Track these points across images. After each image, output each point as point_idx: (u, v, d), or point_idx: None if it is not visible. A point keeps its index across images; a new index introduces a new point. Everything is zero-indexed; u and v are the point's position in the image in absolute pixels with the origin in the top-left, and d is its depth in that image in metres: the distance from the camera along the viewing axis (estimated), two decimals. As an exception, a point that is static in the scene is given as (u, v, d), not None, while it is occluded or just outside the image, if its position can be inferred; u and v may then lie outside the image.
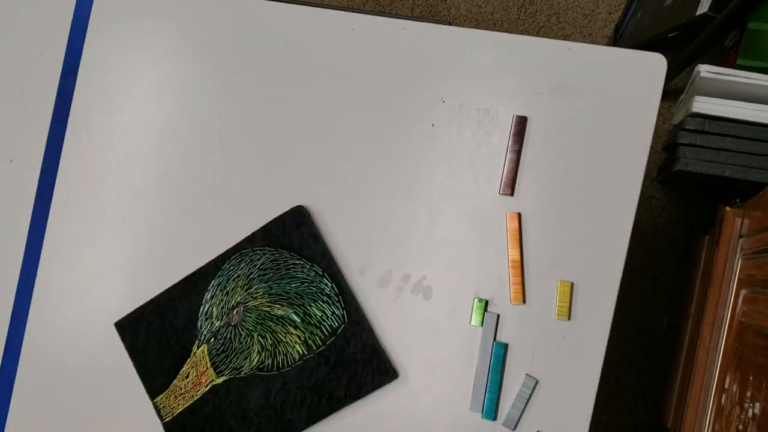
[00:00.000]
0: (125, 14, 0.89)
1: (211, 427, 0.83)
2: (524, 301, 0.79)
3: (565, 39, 1.78)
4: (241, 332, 0.83)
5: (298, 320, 0.81)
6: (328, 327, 0.81)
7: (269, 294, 0.82)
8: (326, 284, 0.81)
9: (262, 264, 0.83)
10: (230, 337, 0.83)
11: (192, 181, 0.86)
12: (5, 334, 0.88)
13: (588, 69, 0.80)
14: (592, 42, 1.81)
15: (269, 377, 0.82)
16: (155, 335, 0.85)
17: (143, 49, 0.89)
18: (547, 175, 0.80)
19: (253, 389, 0.82)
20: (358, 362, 0.81)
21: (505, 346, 0.79)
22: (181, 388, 0.84)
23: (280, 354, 0.82)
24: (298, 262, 0.82)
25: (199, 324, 0.84)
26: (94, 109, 0.89)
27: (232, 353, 0.83)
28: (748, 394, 0.94)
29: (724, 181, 1.40)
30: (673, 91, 1.69)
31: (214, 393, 0.83)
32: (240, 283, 0.83)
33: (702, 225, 1.54)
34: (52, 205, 0.88)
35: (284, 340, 0.82)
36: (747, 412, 0.93)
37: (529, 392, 0.77)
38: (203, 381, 0.84)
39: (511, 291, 0.79)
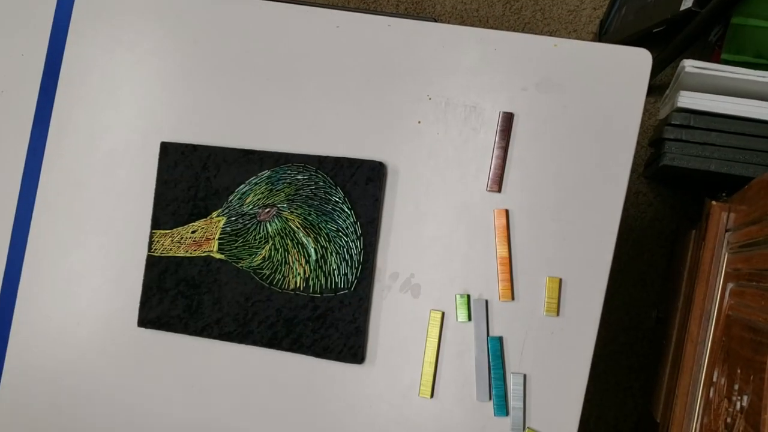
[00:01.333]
0: (107, 13, 0.89)
1: (184, 287, 0.83)
2: (513, 298, 0.79)
3: (550, 35, 1.78)
4: (261, 231, 0.82)
5: (313, 258, 0.81)
6: (333, 282, 0.81)
7: (305, 218, 0.82)
8: (356, 246, 0.81)
9: (315, 188, 0.82)
10: (250, 228, 0.83)
11: (177, 182, 0.86)
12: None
13: (574, 65, 0.80)
14: (578, 38, 1.82)
15: (258, 285, 0.82)
16: (189, 178, 0.84)
17: (126, 47, 0.88)
18: (534, 172, 0.80)
19: (239, 284, 0.82)
20: (338, 329, 0.81)
21: (500, 339, 0.79)
22: (182, 238, 0.84)
23: (280, 272, 0.82)
24: (346, 210, 0.81)
25: (230, 197, 0.83)
26: (77, 110, 0.88)
27: (241, 242, 0.83)
28: (736, 387, 0.95)
29: (710, 176, 1.41)
30: (659, 87, 1.70)
31: (206, 263, 0.83)
32: (287, 190, 0.82)
33: (689, 219, 1.55)
34: (35, 207, 0.88)
35: (291, 265, 0.82)
36: (735, 405, 0.93)
37: (521, 388, 0.78)
38: (203, 246, 0.83)
39: (500, 288, 0.79)
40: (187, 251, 0.83)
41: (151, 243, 0.84)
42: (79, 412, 0.85)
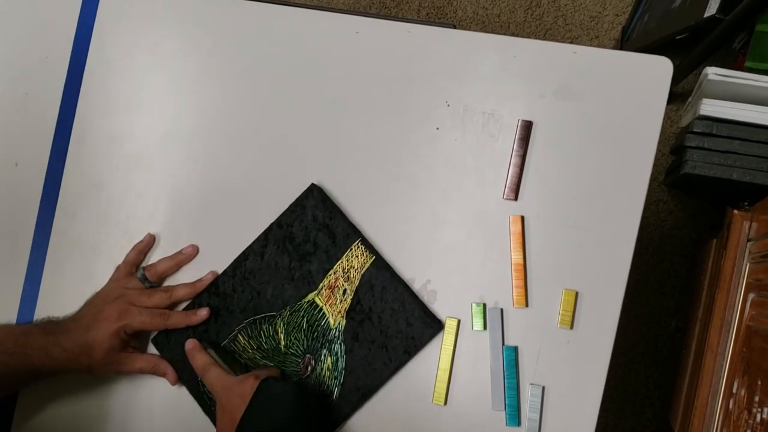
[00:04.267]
0: (130, 17, 0.90)
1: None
2: (527, 305, 0.78)
3: (571, 41, 1.78)
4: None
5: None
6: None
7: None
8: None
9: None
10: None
11: (197, 183, 0.87)
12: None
13: (593, 72, 0.80)
14: (599, 44, 1.81)
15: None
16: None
17: (148, 51, 0.89)
18: (552, 179, 0.79)
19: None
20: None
21: (516, 349, 0.78)
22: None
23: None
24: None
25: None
26: (99, 112, 0.89)
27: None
28: (756, 398, 0.94)
29: (732, 185, 1.40)
30: (681, 94, 1.69)
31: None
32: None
33: (709, 228, 1.54)
34: (57, 208, 0.89)
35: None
36: (755, 417, 0.93)
37: (539, 400, 0.77)
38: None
39: (514, 294, 0.79)
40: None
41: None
42: (95, 417, 0.86)
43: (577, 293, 0.77)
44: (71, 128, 0.89)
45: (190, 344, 0.80)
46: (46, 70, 0.90)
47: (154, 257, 0.86)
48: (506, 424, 0.78)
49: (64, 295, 0.88)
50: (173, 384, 0.83)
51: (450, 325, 0.79)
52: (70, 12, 0.91)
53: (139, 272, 0.83)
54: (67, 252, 0.88)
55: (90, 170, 0.89)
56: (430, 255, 0.81)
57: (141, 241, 0.86)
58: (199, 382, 0.82)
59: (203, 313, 0.82)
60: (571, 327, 0.77)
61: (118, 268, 0.85)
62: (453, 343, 0.79)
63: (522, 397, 0.78)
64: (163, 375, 0.83)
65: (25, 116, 0.91)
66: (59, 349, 0.76)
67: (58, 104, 0.90)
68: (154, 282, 0.84)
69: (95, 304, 0.81)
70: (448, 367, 0.79)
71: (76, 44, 0.90)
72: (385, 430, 0.80)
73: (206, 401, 0.82)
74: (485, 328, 0.79)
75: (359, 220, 0.82)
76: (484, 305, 0.79)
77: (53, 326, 0.79)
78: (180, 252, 0.85)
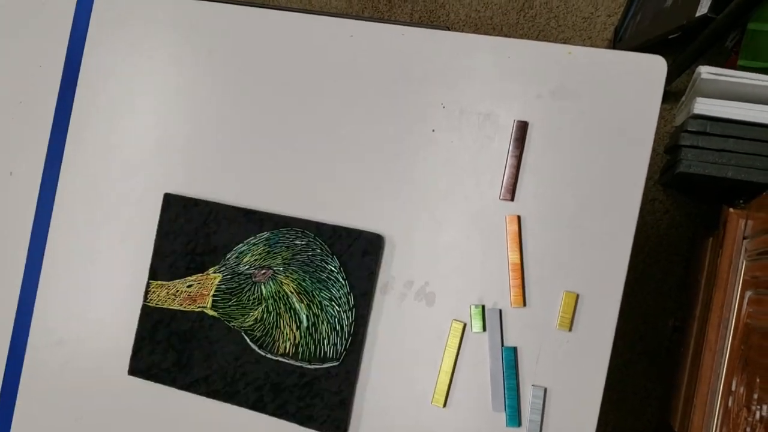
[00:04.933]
0: (123, 24, 0.90)
1: (176, 340, 0.84)
2: (524, 304, 0.79)
3: (564, 42, 1.78)
4: (255, 292, 0.83)
5: (304, 324, 0.81)
6: (322, 351, 0.81)
7: (299, 283, 0.82)
8: (347, 317, 0.81)
9: (312, 255, 0.82)
10: (244, 287, 0.83)
11: (192, 189, 0.86)
12: (8, 346, 0.88)
13: (588, 72, 0.80)
14: (592, 45, 1.81)
15: (248, 346, 0.82)
16: (188, 232, 0.85)
17: (142, 57, 0.89)
18: (548, 180, 0.79)
19: (229, 343, 0.83)
20: (323, 400, 0.81)
21: (515, 350, 0.78)
22: (177, 291, 0.84)
23: (270, 336, 0.82)
24: (341, 280, 0.81)
25: (228, 256, 0.84)
26: (94, 119, 0.89)
27: (235, 301, 0.83)
28: (755, 396, 0.94)
29: (727, 183, 1.40)
30: (674, 93, 1.69)
31: (199, 318, 0.84)
32: (284, 254, 0.82)
33: (706, 227, 1.54)
34: (52, 217, 0.89)
35: (282, 329, 0.82)
36: (754, 414, 0.93)
37: (541, 402, 0.77)
38: (198, 301, 0.84)
39: (512, 294, 0.79)
40: (181, 305, 0.84)
41: (147, 293, 0.85)
42: (95, 422, 0.85)
43: (577, 296, 0.78)
44: (66, 136, 0.89)
45: None
46: (40, 78, 0.90)
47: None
48: (506, 425, 0.78)
49: (60, 305, 0.87)
50: None
51: (455, 328, 0.79)
52: (64, 20, 0.91)
53: None
54: (63, 261, 0.88)
55: (86, 177, 0.89)
56: (428, 257, 0.81)
57: None
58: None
59: None
60: (570, 329, 0.77)
61: None
62: (457, 346, 0.79)
63: (522, 397, 0.78)
64: None
65: (20, 124, 0.91)
66: None
67: (53, 112, 0.90)
68: None
69: None
70: (450, 369, 0.79)
71: (69, 52, 0.90)
72: (383, 429, 0.80)
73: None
74: (484, 329, 0.79)
75: (356, 223, 0.82)
76: (483, 307, 0.79)
77: None
78: None
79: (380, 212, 0.82)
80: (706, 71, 1.34)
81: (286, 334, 0.82)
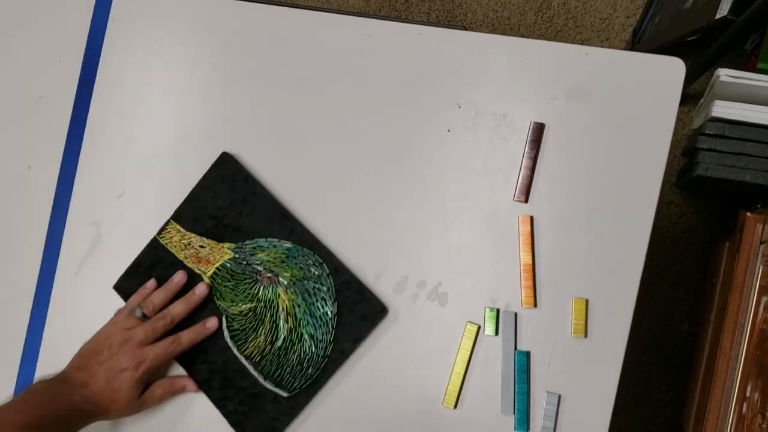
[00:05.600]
0: (142, 21, 0.90)
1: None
2: (535, 305, 0.78)
3: (582, 43, 1.77)
4: (252, 288, 0.83)
5: (278, 344, 0.82)
6: (281, 376, 0.81)
7: (294, 305, 0.82)
8: (317, 362, 0.81)
9: (318, 289, 0.82)
10: (246, 279, 0.83)
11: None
12: (23, 342, 0.88)
13: (605, 74, 0.79)
14: (610, 46, 1.81)
15: (222, 331, 0.83)
16: (225, 199, 0.85)
17: (159, 55, 0.90)
18: (563, 181, 0.79)
19: (207, 316, 0.83)
20: (259, 418, 0.81)
21: (528, 354, 0.78)
22: (189, 244, 0.85)
23: (245, 333, 0.82)
24: (330, 328, 0.81)
25: (247, 242, 0.84)
26: (111, 115, 0.90)
27: (232, 285, 0.84)
28: (770, 402, 0.94)
29: (745, 186, 1.39)
30: (693, 96, 1.69)
31: (193, 279, 0.84)
32: (295, 271, 0.82)
33: (722, 231, 1.54)
34: (69, 211, 0.89)
35: (258, 335, 0.82)
36: (769, 421, 0.92)
37: (555, 409, 0.77)
38: (202, 264, 0.84)
39: (523, 295, 0.79)
40: (186, 258, 0.84)
41: (163, 229, 0.85)
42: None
43: (587, 301, 0.77)
44: (84, 131, 0.90)
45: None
46: (59, 74, 0.91)
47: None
48: (515, 429, 0.77)
49: (76, 300, 0.88)
50: (196, 391, 0.83)
51: (470, 330, 0.79)
52: (83, 17, 0.91)
53: (137, 311, 0.81)
54: (80, 255, 0.89)
55: (102, 173, 0.89)
56: (441, 257, 0.81)
57: (144, 286, 0.85)
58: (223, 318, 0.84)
59: (213, 322, 0.82)
60: (585, 335, 0.77)
61: (118, 311, 0.83)
62: (471, 348, 0.79)
63: (532, 402, 0.78)
64: (182, 391, 0.82)
65: (39, 120, 0.91)
66: (74, 410, 0.74)
67: (71, 108, 0.90)
68: (152, 317, 0.82)
69: (103, 355, 0.78)
70: (463, 371, 0.79)
71: (88, 49, 0.91)
72: (393, 429, 0.80)
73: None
74: (497, 333, 0.79)
75: (371, 221, 0.82)
76: (498, 310, 0.79)
77: (56, 390, 0.76)
78: (171, 281, 0.84)
79: (394, 212, 0.82)
80: (724, 74, 1.34)
81: (259, 342, 0.82)
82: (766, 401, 0.95)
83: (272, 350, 0.82)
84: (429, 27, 0.85)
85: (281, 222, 0.83)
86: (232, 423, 0.82)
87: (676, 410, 1.62)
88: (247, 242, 0.84)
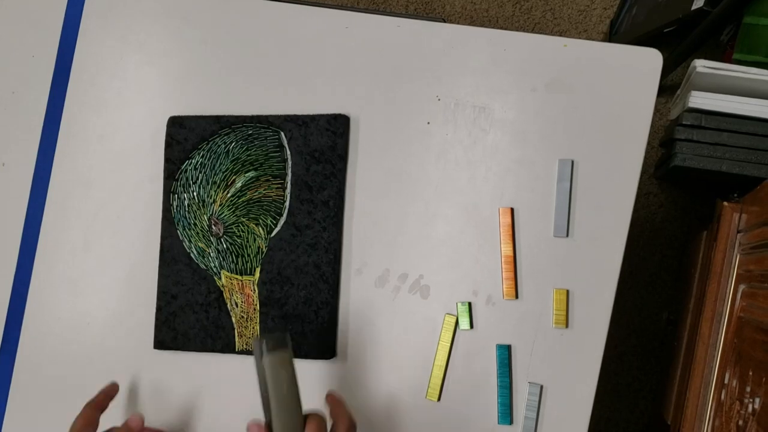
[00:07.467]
0: (116, 14, 0.90)
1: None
2: (517, 297, 0.79)
3: (560, 35, 1.78)
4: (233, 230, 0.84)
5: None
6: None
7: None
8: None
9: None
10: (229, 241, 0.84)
11: (187, 182, 0.86)
12: (0, 336, 0.88)
13: (583, 65, 0.80)
14: (588, 38, 1.82)
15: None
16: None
17: (135, 47, 0.89)
18: (542, 172, 0.80)
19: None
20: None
21: (509, 348, 0.78)
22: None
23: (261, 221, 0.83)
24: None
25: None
26: (87, 110, 0.89)
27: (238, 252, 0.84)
28: (748, 389, 0.95)
29: (722, 176, 1.42)
30: (670, 87, 1.70)
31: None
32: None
33: (700, 220, 1.55)
34: (45, 208, 0.88)
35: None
36: (747, 407, 0.94)
37: (537, 399, 0.77)
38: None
39: (504, 287, 0.79)
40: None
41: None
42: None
43: (568, 291, 0.78)
44: (59, 126, 0.89)
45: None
46: (33, 68, 0.90)
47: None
48: (498, 423, 0.78)
49: (53, 295, 0.87)
50: None
51: (448, 322, 0.79)
52: (56, 9, 0.90)
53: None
54: (56, 252, 0.88)
55: (79, 169, 0.89)
56: (423, 250, 0.81)
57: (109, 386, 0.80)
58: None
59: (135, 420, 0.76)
60: (567, 325, 0.77)
61: (75, 421, 0.73)
62: (450, 340, 0.79)
63: (514, 392, 0.78)
64: None
65: (12, 115, 0.90)
66: None
67: (45, 102, 0.89)
68: None
69: None
70: (444, 363, 0.79)
71: (62, 42, 0.90)
72: (377, 423, 0.80)
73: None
74: (471, 326, 0.79)
75: (350, 216, 0.82)
76: (470, 304, 0.79)
77: None
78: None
79: (374, 205, 0.82)
80: (701, 65, 1.35)
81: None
82: (744, 388, 0.97)
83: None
84: (408, 19, 0.85)
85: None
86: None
87: (656, 398, 1.64)
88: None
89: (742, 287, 1.11)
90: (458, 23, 1.81)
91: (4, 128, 0.90)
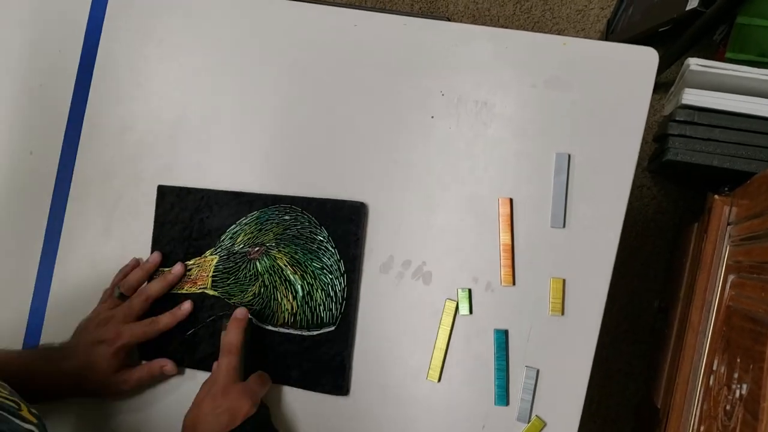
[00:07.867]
0: (140, 10, 0.91)
1: (181, 322, 0.84)
2: (514, 283, 0.80)
3: (559, 34, 1.80)
4: (251, 269, 0.84)
5: (300, 294, 0.83)
6: (318, 317, 0.82)
7: (292, 256, 0.83)
8: (340, 283, 0.82)
9: (301, 228, 0.83)
10: (241, 266, 0.85)
11: (205, 170, 0.88)
12: (26, 317, 0.89)
13: (582, 63, 0.80)
14: (586, 36, 1.83)
15: (249, 320, 0.82)
16: (184, 220, 0.86)
17: (156, 43, 0.90)
18: (541, 165, 0.80)
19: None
20: (322, 364, 0.82)
21: (506, 333, 0.79)
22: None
23: (269, 308, 0.84)
24: (331, 249, 0.82)
25: (222, 237, 0.85)
26: (110, 103, 0.91)
27: (233, 279, 0.85)
28: (736, 375, 0.95)
29: (713, 171, 1.41)
30: (664, 84, 1.71)
31: (201, 299, 0.85)
32: (275, 230, 0.84)
33: (691, 213, 1.53)
34: (69, 195, 0.90)
35: (280, 301, 0.83)
36: (734, 392, 0.94)
37: (533, 383, 0.78)
38: (198, 283, 0.85)
39: (502, 273, 0.80)
40: (182, 287, 0.86)
41: (150, 281, 0.86)
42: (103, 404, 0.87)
43: (564, 280, 0.78)
44: (83, 118, 0.91)
45: (241, 314, 0.80)
46: (59, 63, 0.92)
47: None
48: (494, 404, 0.79)
49: (77, 281, 0.89)
50: (174, 372, 0.84)
51: (449, 307, 0.80)
52: (82, 8, 0.92)
53: (116, 291, 0.84)
54: (79, 238, 0.90)
55: (101, 159, 0.90)
56: (425, 238, 0.82)
57: (126, 265, 0.87)
58: (189, 334, 0.85)
59: (186, 306, 0.84)
60: (563, 313, 0.78)
61: (104, 292, 0.86)
62: (450, 324, 0.80)
63: (511, 376, 0.79)
64: (160, 372, 0.83)
65: (40, 107, 0.92)
66: (61, 375, 0.78)
67: (71, 95, 0.91)
68: (129, 296, 0.84)
69: (88, 330, 0.81)
70: (444, 346, 0.80)
71: (87, 38, 0.91)
72: (378, 403, 0.82)
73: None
74: (471, 312, 0.80)
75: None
76: (470, 290, 0.80)
77: (51, 353, 0.81)
78: (147, 261, 0.86)
79: (380, 194, 0.83)
80: (694, 63, 1.35)
81: (284, 305, 0.83)
82: (731, 374, 0.97)
83: (299, 303, 0.83)
84: (414, 18, 0.86)
85: (238, 203, 0.85)
86: (305, 386, 0.83)
87: (646, 383, 1.64)
88: (222, 237, 0.86)
89: (731, 277, 1.11)
90: (461, 22, 1.82)
91: (31, 119, 0.92)
